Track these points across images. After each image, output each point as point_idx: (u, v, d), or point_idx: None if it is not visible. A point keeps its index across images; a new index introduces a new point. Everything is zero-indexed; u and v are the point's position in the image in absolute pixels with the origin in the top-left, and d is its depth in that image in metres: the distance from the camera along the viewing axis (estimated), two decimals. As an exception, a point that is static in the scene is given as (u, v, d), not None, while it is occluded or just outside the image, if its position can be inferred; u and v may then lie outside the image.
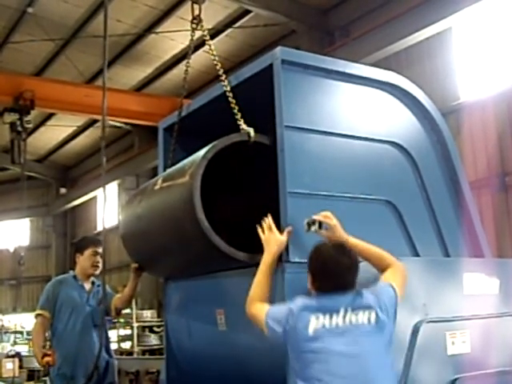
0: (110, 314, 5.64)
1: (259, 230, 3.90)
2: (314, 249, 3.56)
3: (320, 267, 3.49)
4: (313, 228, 3.73)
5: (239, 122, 4.34)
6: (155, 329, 16.64)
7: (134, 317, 16.11)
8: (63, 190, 26.56)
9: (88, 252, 5.72)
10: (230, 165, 4.59)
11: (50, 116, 20.57)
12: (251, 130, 4.26)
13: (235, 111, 4.39)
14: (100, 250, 5.73)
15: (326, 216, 3.74)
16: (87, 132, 22.04)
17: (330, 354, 3.31)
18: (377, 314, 3.39)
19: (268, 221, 3.89)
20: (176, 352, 5.09)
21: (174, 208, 4.24)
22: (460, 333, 4.15)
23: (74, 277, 5.68)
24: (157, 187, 4.58)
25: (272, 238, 3.81)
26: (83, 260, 5.70)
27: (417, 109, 4.84)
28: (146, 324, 17.01)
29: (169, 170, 4.72)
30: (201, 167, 4.05)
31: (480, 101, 11.58)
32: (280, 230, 3.87)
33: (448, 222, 4.76)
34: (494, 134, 11.40)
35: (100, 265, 5.62)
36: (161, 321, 15.57)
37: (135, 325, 16.11)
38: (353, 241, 3.71)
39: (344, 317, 3.36)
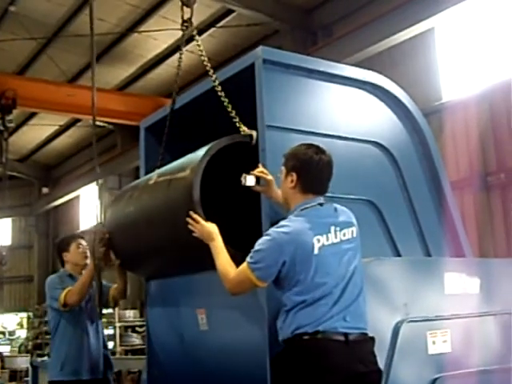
0: (109, 305, 5.67)
1: (190, 227, 3.89)
2: (293, 150, 3.68)
3: (305, 164, 3.60)
4: (250, 182, 3.92)
5: (239, 125, 4.31)
6: (138, 329, 16.58)
7: (117, 317, 16.05)
8: (45, 190, 26.40)
9: (73, 247, 5.68)
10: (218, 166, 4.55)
11: (32, 115, 20.43)
12: (254, 133, 4.23)
13: (233, 114, 4.35)
14: (83, 241, 5.70)
15: (263, 172, 3.92)
16: (69, 131, 21.91)
17: (329, 263, 3.46)
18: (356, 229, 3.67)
19: (193, 216, 3.89)
20: (158, 352, 5.08)
21: (172, 202, 4.22)
22: (441, 332, 4.16)
23: (69, 275, 5.63)
24: (151, 182, 4.56)
25: (205, 229, 3.85)
26: (72, 256, 5.66)
27: (398, 109, 4.87)
28: (129, 324, 16.94)
29: (164, 167, 4.67)
30: (203, 163, 4.04)
31: (462, 101, 11.62)
32: (261, 232, 3.85)
33: (429, 221, 4.79)
34: (476, 134, 11.45)
35: (89, 254, 5.57)
36: (143, 321, 15.52)
37: (118, 325, 16.04)
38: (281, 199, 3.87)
39: (335, 236, 3.53)
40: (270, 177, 3.92)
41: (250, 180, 3.94)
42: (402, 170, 4.70)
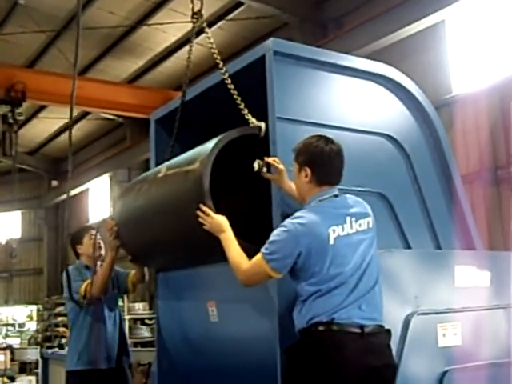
0: (128, 291, 5.84)
1: (200, 220, 3.89)
2: (303, 144, 3.68)
3: (317, 157, 3.60)
4: (263, 169, 3.97)
5: (247, 117, 4.30)
6: (147, 321, 16.60)
7: (126, 309, 16.09)
8: (55, 183, 26.44)
9: (86, 239, 5.74)
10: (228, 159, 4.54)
11: (41, 108, 20.47)
12: (262, 124, 4.22)
13: (241, 106, 4.34)
14: (95, 232, 5.74)
15: (275, 160, 3.94)
16: (79, 124, 21.89)
17: (344, 253, 3.46)
18: (372, 220, 3.66)
19: (203, 209, 3.89)
20: (167, 344, 5.09)
21: (181, 194, 4.20)
22: (451, 325, 4.16)
23: (86, 266, 5.65)
24: (161, 175, 4.55)
25: (215, 221, 3.84)
26: (85, 248, 5.70)
27: (409, 101, 4.85)
28: (138, 316, 16.99)
29: (173, 160, 4.66)
30: (212, 155, 4.02)
31: (472, 94, 11.57)
32: (272, 226, 3.86)
33: (440, 214, 4.78)
34: (486, 128, 11.40)
35: (103, 245, 5.61)
36: (153, 313, 15.56)
37: (127, 317, 16.07)
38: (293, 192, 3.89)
39: (351, 226, 3.54)
40: (281, 166, 3.92)
41: (261, 166, 3.97)
42: (412, 163, 4.68)
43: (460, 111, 11.59)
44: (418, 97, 4.87)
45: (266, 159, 3.97)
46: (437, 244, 4.68)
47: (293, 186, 3.84)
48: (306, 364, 3.40)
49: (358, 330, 3.38)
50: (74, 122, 21.63)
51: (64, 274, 5.70)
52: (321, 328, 3.39)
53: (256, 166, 3.99)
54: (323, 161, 3.61)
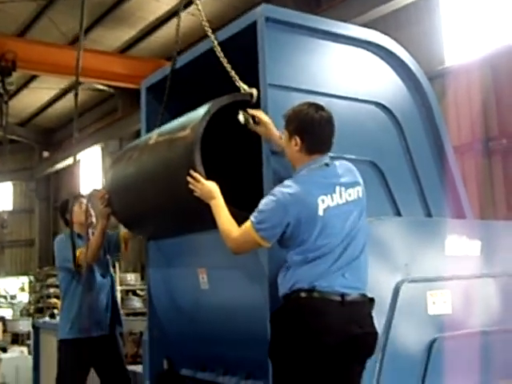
0: (121, 250, 5.78)
1: (190, 186, 3.86)
2: (293, 111, 3.64)
3: (307, 125, 3.57)
4: (250, 121, 3.96)
5: (238, 84, 4.24)
6: (139, 292, 16.67)
7: (118, 280, 16.11)
8: (46, 154, 26.37)
9: (76, 207, 5.71)
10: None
11: (32, 78, 20.35)
12: (254, 91, 4.19)
13: (232, 74, 4.28)
14: (84, 200, 5.74)
15: (261, 113, 3.94)
16: (70, 95, 21.70)
17: (333, 224, 3.45)
18: (362, 188, 3.64)
19: (194, 175, 3.86)
20: (158, 312, 5.09)
21: (172, 161, 4.17)
22: (441, 293, 4.17)
23: (77, 235, 5.64)
24: (151, 142, 4.52)
25: (205, 188, 3.82)
26: (76, 216, 5.67)
27: (402, 70, 4.82)
28: (130, 287, 17.03)
29: (165, 127, 4.62)
30: (203, 121, 3.98)
31: (465, 65, 11.55)
32: (262, 192, 3.85)
33: (431, 183, 4.78)
34: (479, 99, 11.40)
35: (93, 212, 5.58)
36: (144, 284, 15.58)
37: (119, 288, 16.09)
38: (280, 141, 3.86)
39: (340, 196, 3.52)
40: (266, 118, 3.92)
41: (247, 118, 3.97)
42: (404, 132, 4.67)
43: (453, 82, 11.58)
44: (411, 66, 4.84)
45: (250, 111, 3.96)
46: (428, 212, 4.69)
47: (283, 136, 3.81)
48: (288, 330, 3.42)
49: (338, 298, 3.39)
50: (64, 92, 21.57)
51: (55, 243, 5.69)
52: (302, 295, 3.40)
53: (241, 118, 3.97)
54: (313, 129, 3.58)
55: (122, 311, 6.16)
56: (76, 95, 5.45)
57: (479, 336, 4.37)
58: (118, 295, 15.91)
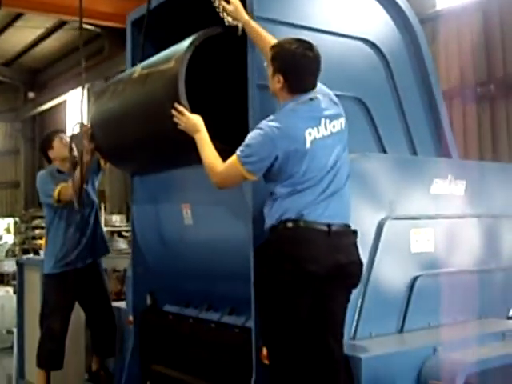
0: (101, 167, 5.68)
1: (175, 120, 3.81)
2: (279, 48, 3.59)
3: (291, 66, 3.53)
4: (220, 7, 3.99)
5: (223, 15, 4.13)
6: (124, 233, 16.69)
7: (103, 221, 16.11)
8: (31, 95, 26.07)
9: (57, 142, 5.65)
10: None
11: (18, 16, 19.98)
12: (239, 23, 4.12)
13: (216, 4, 4.19)
14: (65, 136, 5.68)
15: None
16: (56, 34, 21.48)
17: (319, 156, 3.46)
18: (344, 120, 3.63)
19: (178, 108, 3.81)
20: (142, 248, 5.09)
21: (156, 94, 4.11)
22: (424, 231, 4.19)
23: (58, 170, 5.58)
24: (135, 75, 4.45)
25: (190, 121, 3.77)
26: (57, 151, 5.62)
27: (391, 8, 4.78)
28: (115, 229, 17.05)
29: (149, 60, 4.53)
30: (188, 52, 3.91)
31: (456, 9, 11.45)
32: (248, 127, 3.81)
33: (417, 122, 4.77)
34: (469, 44, 11.33)
35: (74, 147, 5.50)
36: (130, 225, 15.61)
37: (104, 229, 16.13)
38: (252, 23, 3.89)
39: (326, 128, 3.51)
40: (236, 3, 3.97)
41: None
42: (391, 69, 4.63)
43: (443, 26, 11.48)
44: (400, 3, 4.78)
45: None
46: (413, 151, 4.68)
47: (250, 21, 3.88)
48: (274, 261, 3.42)
49: (325, 228, 3.41)
50: (50, 32, 21.25)
51: (37, 179, 5.64)
52: (289, 225, 3.41)
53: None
54: (297, 70, 3.53)
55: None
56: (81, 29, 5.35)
57: (460, 275, 4.41)
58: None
